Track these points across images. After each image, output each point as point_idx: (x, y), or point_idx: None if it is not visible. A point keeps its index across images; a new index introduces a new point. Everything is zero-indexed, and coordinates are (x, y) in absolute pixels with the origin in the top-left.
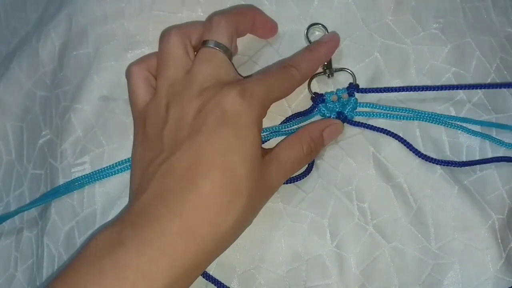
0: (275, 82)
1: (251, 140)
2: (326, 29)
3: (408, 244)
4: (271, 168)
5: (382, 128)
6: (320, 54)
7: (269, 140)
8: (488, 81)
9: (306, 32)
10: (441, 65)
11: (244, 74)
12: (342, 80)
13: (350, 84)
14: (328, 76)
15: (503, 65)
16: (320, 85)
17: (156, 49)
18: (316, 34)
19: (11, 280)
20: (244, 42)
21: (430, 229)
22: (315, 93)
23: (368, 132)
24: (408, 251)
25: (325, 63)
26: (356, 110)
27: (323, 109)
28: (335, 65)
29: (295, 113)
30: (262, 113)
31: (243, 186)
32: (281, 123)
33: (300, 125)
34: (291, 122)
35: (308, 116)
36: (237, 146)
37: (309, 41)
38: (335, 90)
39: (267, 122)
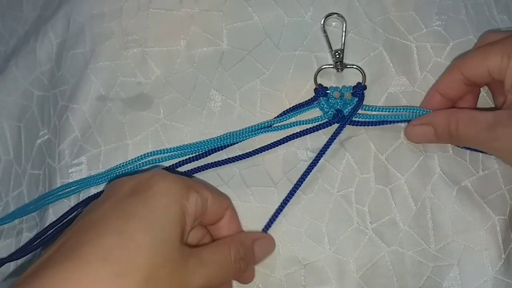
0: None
1: (166, 215)
2: (344, 19)
3: (408, 247)
4: (190, 263)
5: (382, 121)
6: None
7: (263, 134)
8: None
9: (323, 23)
10: (445, 62)
11: (243, 71)
12: (350, 78)
13: (358, 83)
14: (337, 70)
15: None
16: (325, 79)
17: (154, 47)
18: (333, 25)
19: (11, 280)
20: (242, 35)
21: (430, 232)
22: (319, 85)
23: (371, 131)
24: (407, 254)
25: (337, 55)
26: (358, 112)
27: (323, 103)
28: (346, 60)
29: (292, 107)
30: (187, 195)
31: (140, 260)
32: (275, 117)
33: (295, 118)
34: (285, 116)
35: (306, 108)
36: (145, 214)
37: (325, 32)
38: (340, 87)
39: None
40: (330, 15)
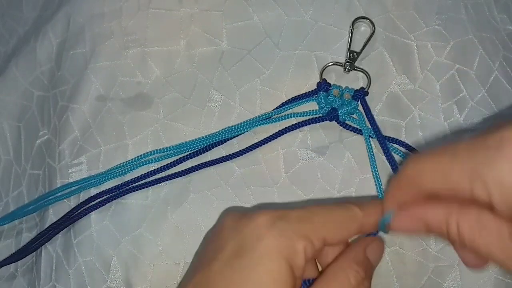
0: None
1: (274, 281)
2: (373, 24)
3: (408, 247)
4: None
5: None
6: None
7: (263, 125)
8: (491, 78)
9: (352, 26)
10: (445, 61)
11: (243, 71)
12: (353, 82)
13: (361, 88)
14: (345, 70)
15: (506, 63)
16: (328, 78)
17: (154, 47)
18: (362, 29)
19: (11, 280)
20: (242, 35)
21: None
22: (324, 79)
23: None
24: (408, 255)
25: (352, 56)
26: (352, 116)
27: (322, 98)
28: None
29: (292, 98)
30: (295, 248)
31: None
32: (274, 109)
33: (293, 110)
34: (284, 107)
35: (305, 100)
36: (252, 283)
37: (351, 32)
38: (343, 86)
39: None
40: (359, 19)
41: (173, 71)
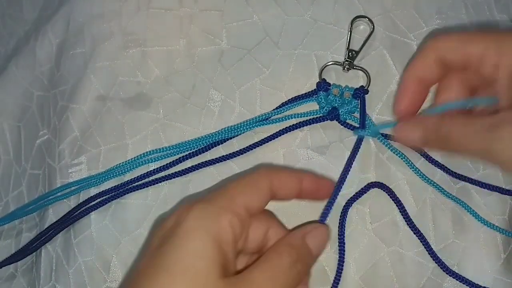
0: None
1: (199, 259)
2: (372, 23)
3: (408, 247)
4: None
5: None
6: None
7: (261, 127)
8: None
9: (351, 25)
10: None
11: (243, 71)
12: (352, 81)
13: (361, 87)
14: (344, 69)
15: None
16: (327, 77)
17: (154, 47)
18: (361, 28)
19: (11, 280)
20: (241, 34)
21: (430, 232)
22: (323, 79)
23: None
24: (408, 255)
25: (351, 55)
26: (353, 115)
27: (322, 97)
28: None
29: (291, 98)
30: (219, 223)
31: None
32: (273, 110)
33: (292, 111)
34: (284, 108)
35: (305, 100)
36: (178, 266)
37: (350, 31)
38: (343, 85)
39: None
40: (358, 18)
41: (173, 71)
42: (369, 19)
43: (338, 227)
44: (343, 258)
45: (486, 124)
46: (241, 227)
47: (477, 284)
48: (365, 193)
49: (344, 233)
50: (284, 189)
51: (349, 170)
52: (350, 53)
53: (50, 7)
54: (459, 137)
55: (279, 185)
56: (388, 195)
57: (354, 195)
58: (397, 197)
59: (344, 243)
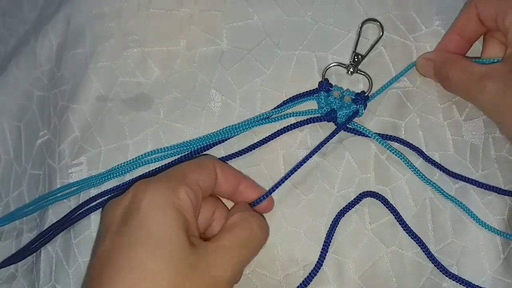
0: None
1: (166, 229)
2: (382, 27)
3: (407, 247)
4: (209, 258)
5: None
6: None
7: (261, 126)
8: None
9: (360, 28)
10: None
11: (243, 71)
12: (354, 85)
13: (362, 92)
14: (348, 72)
15: None
16: (331, 76)
17: (154, 47)
18: (369, 32)
19: (11, 280)
20: (242, 35)
21: (430, 232)
22: (326, 79)
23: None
24: (407, 255)
25: (356, 59)
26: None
27: (322, 98)
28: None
29: (292, 96)
30: (176, 194)
31: (164, 284)
32: (273, 109)
33: (293, 109)
34: (284, 106)
35: (305, 99)
36: (146, 238)
37: (359, 34)
38: (345, 88)
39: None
40: (368, 21)
41: (173, 71)
42: (380, 24)
43: (326, 234)
44: (322, 263)
45: (477, 74)
46: (196, 198)
47: (476, 285)
48: (358, 203)
49: (330, 240)
50: (225, 182)
51: (311, 156)
52: (356, 57)
53: (50, 7)
54: (455, 80)
55: (221, 177)
56: (382, 203)
57: (347, 205)
58: (392, 205)
59: (327, 250)
